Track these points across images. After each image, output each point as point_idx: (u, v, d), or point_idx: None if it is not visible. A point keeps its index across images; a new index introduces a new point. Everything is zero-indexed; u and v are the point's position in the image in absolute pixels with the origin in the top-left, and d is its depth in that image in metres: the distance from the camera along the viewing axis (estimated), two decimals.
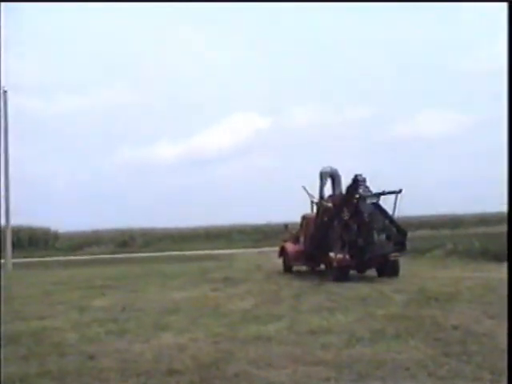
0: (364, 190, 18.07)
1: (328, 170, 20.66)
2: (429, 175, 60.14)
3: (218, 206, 53.47)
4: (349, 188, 18.64)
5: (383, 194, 18.16)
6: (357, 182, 18.16)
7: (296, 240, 22.35)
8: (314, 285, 17.34)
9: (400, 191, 17.69)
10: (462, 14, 66.76)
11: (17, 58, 64.40)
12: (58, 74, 67.84)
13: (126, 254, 40.96)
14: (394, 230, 18.16)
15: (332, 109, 75.80)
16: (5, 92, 31.07)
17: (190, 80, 72.01)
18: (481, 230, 44.52)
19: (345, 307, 12.26)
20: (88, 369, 7.55)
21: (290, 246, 22.51)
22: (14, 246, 41.38)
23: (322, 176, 20.60)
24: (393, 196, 17.96)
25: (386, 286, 15.88)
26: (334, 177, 20.67)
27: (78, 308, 13.63)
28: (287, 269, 22.38)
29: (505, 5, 5.77)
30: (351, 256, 18.21)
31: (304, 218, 21.97)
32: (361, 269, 19.03)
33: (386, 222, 18.11)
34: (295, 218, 23.72)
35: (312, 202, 21.49)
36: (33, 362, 8.03)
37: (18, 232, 44.20)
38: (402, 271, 18.92)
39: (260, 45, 74.34)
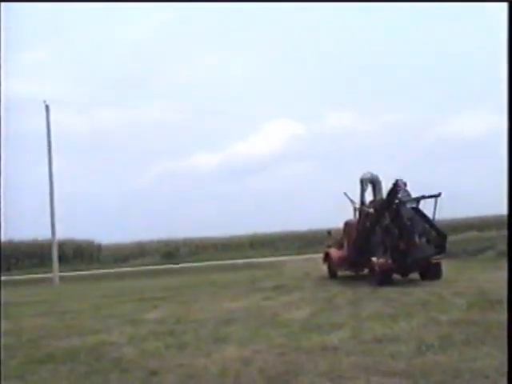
0: (403, 195, 18.30)
1: (368, 175, 20.87)
2: (469, 176, 59.09)
3: (259, 214, 53.25)
4: (389, 193, 18.87)
5: (423, 198, 18.42)
6: (396, 186, 18.37)
7: (340, 246, 22.46)
8: (370, 291, 17.01)
9: (439, 195, 17.86)
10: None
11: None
12: (92, 87, 67.71)
13: (171, 264, 40.76)
14: (434, 233, 18.35)
15: (367, 114, 74.91)
16: (47, 107, 31.23)
17: (222, 91, 71.64)
18: None
19: (406, 313, 11.89)
20: None
21: (334, 252, 22.59)
22: (59, 259, 41.82)
23: (363, 182, 20.79)
24: (433, 200, 18.09)
25: (445, 290, 15.49)
26: (375, 182, 20.89)
27: (131, 321, 13.40)
28: (332, 274, 22.52)
29: (505, 5, 5.53)
30: (393, 260, 18.41)
31: (346, 224, 22.13)
32: (404, 272, 19.06)
33: (426, 225, 18.34)
34: (336, 224, 24.25)
35: (354, 208, 21.53)
36: (95, 379, 7.82)
37: (62, 245, 44.39)
38: (456, 275, 19.00)
39: (288, 48, 73.67)
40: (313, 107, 75.43)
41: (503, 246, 26.41)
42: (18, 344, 11.03)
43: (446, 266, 22.00)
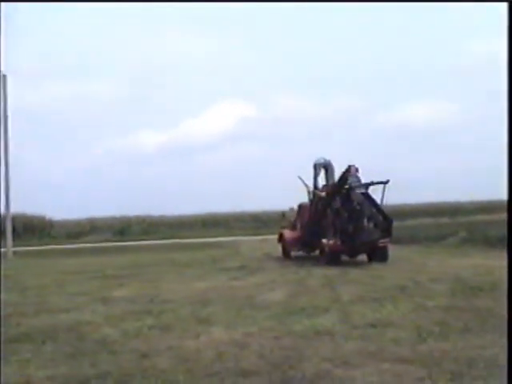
0: (354, 181, 19.42)
1: (322, 161, 21.90)
2: (421, 164, 59.77)
3: (211, 194, 52.85)
4: (340, 178, 19.73)
5: (371, 184, 19.54)
6: (348, 172, 19.21)
7: (293, 227, 23.45)
8: (339, 273, 16.79)
9: (387, 182, 18.93)
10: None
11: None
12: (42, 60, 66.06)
13: (124, 242, 40.07)
14: (381, 218, 19.40)
15: (319, 98, 74.83)
16: (4, 76, 30.21)
17: (176, 69, 70.80)
18: (480, 217, 44.12)
19: (390, 298, 11.56)
20: (149, 369, 6.77)
21: (287, 233, 23.60)
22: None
23: (316, 167, 21.81)
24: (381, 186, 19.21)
25: (419, 276, 15.22)
26: (328, 167, 21.87)
27: (101, 299, 12.83)
28: (286, 254, 23.46)
29: (505, 5, 5.40)
30: (342, 242, 19.38)
31: (300, 206, 23.26)
32: (352, 254, 20.16)
33: (374, 210, 19.40)
34: (289, 206, 25.97)
35: (308, 192, 22.34)
36: (83, 360, 7.28)
37: (13, 220, 43.30)
38: (424, 259, 19.77)
39: (245, 30, 72.92)
40: (265, 89, 75.10)
41: (464, 233, 26.56)
42: None
43: (411, 252, 22.09)
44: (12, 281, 17.83)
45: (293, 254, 23.19)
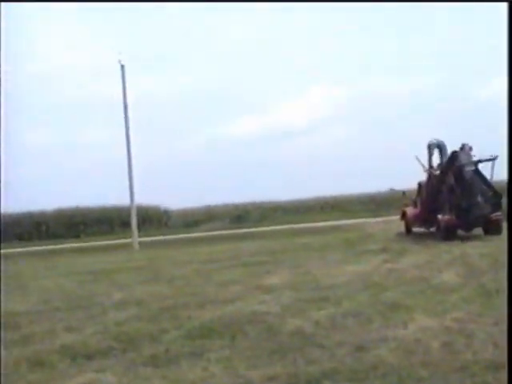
0: (464, 158, 20.34)
1: (435, 141, 22.86)
2: None
3: (321, 178, 51.64)
4: (450, 157, 20.92)
5: (480, 161, 20.33)
6: (459, 151, 20.42)
7: (414, 205, 24.55)
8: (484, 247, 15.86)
9: (495, 158, 19.58)
10: None
11: None
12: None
13: (243, 229, 39.39)
14: (491, 193, 20.22)
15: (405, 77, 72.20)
16: (122, 66, 30.14)
17: (264, 56, 69.67)
18: None
19: None
20: (379, 365, 5.90)
21: (409, 211, 24.81)
22: (128, 225, 40.98)
23: (430, 147, 22.85)
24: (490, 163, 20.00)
25: None
26: (441, 147, 22.71)
27: (257, 288, 12.14)
28: (408, 230, 24.89)
29: (505, 5, 5.11)
30: (457, 217, 20.24)
31: (419, 184, 24.06)
32: (467, 228, 20.92)
33: (484, 186, 20.25)
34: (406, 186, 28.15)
35: (425, 171, 23.27)
36: (296, 358, 6.38)
37: (129, 211, 43.63)
38: None
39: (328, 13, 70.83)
40: (351, 72, 73.12)
41: None
42: (150, 315, 9.78)
43: None
44: (151, 272, 17.39)
45: (415, 229, 24.25)
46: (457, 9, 56.16)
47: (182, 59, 67.96)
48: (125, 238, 37.09)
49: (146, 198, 44.85)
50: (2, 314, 10.37)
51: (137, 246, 30.09)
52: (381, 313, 8.42)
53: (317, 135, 68.64)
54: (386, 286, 11.08)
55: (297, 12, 71.50)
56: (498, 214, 20.19)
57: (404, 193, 27.14)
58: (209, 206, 48.95)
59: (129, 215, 41.09)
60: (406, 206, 25.39)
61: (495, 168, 19.80)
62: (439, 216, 20.91)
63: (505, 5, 5.52)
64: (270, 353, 6.66)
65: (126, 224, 43.25)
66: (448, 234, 20.25)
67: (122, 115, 30.75)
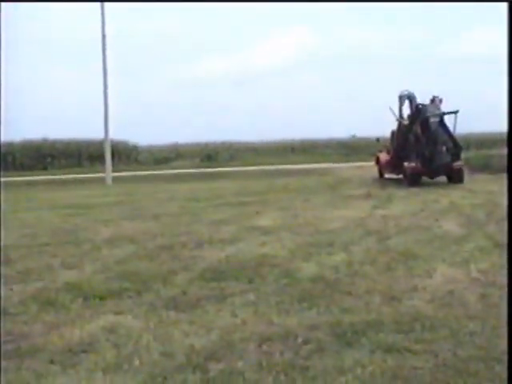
0: (431, 111, 21.93)
1: (406, 93, 23.96)
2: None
3: (295, 120, 51.19)
4: (416, 108, 22.57)
5: (444, 113, 21.95)
6: (427, 104, 22.20)
7: (388, 151, 25.44)
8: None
9: (456, 111, 21.61)
10: None
11: None
12: None
13: (213, 168, 38.86)
14: (452, 144, 21.81)
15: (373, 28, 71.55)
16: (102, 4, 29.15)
17: None
18: None
19: None
20: (420, 316, 5.59)
21: (382, 156, 25.83)
22: (97, 159, 40.33)
23: (401, 98, 24.01)
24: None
25: None
26: (411, 98, 23.70)
27: (252, 228, 11.79)
28: (380, 175, 26.15)
29: (505, 5, 4.86)
30: (422, 164, 21.74)
31: (392, 132, 25.14)
32: (431, 176, 22.32)
33: (447, 137, 21.79)
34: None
35: (397, 121, 24.44)
36: (329, 306, 6.03)
37: (98, 145, 42.81)
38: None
39: None
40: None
41: None
42: (149, 254, 9.34)
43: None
44: (133, 208, 16.94)
45: (386, 175, 25.38)
46: None
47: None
48: (94, 172, 36.46)
49: (113, 133, 44.21)
50: None
51: (110, 181, 29.47)
52: (398, 261, 8.10)
53: (286, 79, 68.07)
54: (388, 233, 10.74)
55: None
56: (459, 163, 21.98)
57: (378, 139, 27.78)
58: (176, 143, 48.26)
59: (97, 149, 40.85)
60: (380, 152, 26.26)
61: (458, 122, 21.69)
62: (405, 163, 22.34)
63: (505, 5, 5.26)
64: (298, 299, 6.30)
65: (94, 158, 42.73)
66: (413, 180, 21.77)
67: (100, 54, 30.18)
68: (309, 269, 7.79)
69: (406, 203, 16.16)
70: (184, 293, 6.71)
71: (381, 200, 17.10)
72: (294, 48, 70.58)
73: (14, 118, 44.65)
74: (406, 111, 24.01)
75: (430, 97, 22.46)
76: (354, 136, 50.16)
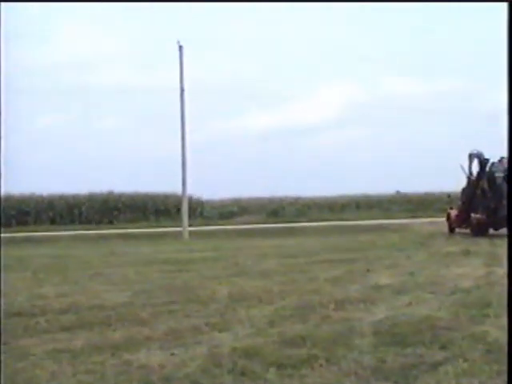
0: (498, 168, 24.57)
1: (475, 152, 25.88)
2: None
3: (356, 176, 50.70)
4: (483, 166, 25.19)
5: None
6: (494, 162, 24.92)
7: (458, 208, 27.24)
8: None
9: None
10: None
11: None
12: None
13: (280, 224, 38.39)
14: None
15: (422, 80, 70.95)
16: (180, 47, 29.27)
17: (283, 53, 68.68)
18: None
19: None
20: None
21: (452, 212, 27.52)
22: (161, 213, 40.27)
23: (471, 156, 26.03)
24: None
25: None
26: (480, 157, 25.65)
27: (379, 287, 11.10)
28: (451, 230, 27.42)
29: (505, 5, 5.08)
30: (487, 216, 24.14)
31: (463, 189, 26.99)
32: (496, 227, 24.02)
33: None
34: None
35: (468, 178, 26.47)
36: None
37: (165, 200, 42.93)
38: None
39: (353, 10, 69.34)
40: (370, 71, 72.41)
41: None
42: (296, 315, 8.72)
43: None
44: (231, 264, 16.28)
45: (457, 230, 26.93)
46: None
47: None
48: (160, 226, 36.42)
49: (176, 187, 44.19)
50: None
51: (187, 235, 29.13)
52: None
53: (333, 135, 67.88)
54: None
55: (312, 10, 70.31)
56: None
57: (449, 195, 29.57)
58: (239, 198, 47.93)
59: (162, 203, 40.93)
60: (452, 208, 27.93)
61: None
62: (472, 215, 24.85)
63: (505, 5, 5.29)
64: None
65: (159, 212, 42.70)
66: (479, 231, 24.20)
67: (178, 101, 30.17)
68: (494, 333, 7.15)
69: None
70: (383, 361, 6.12)
71: (484, 257, 16.55)
72: (345, 100, 70.12)
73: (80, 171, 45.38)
74: (475, 168, 25.98)
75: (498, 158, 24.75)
76: (398, 192, 49.87)
